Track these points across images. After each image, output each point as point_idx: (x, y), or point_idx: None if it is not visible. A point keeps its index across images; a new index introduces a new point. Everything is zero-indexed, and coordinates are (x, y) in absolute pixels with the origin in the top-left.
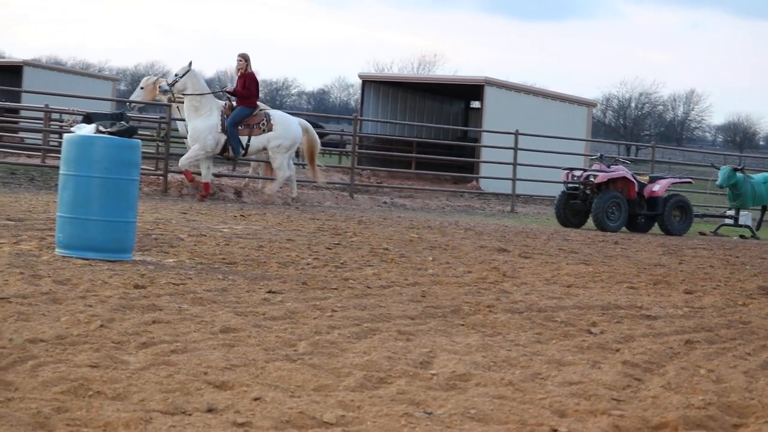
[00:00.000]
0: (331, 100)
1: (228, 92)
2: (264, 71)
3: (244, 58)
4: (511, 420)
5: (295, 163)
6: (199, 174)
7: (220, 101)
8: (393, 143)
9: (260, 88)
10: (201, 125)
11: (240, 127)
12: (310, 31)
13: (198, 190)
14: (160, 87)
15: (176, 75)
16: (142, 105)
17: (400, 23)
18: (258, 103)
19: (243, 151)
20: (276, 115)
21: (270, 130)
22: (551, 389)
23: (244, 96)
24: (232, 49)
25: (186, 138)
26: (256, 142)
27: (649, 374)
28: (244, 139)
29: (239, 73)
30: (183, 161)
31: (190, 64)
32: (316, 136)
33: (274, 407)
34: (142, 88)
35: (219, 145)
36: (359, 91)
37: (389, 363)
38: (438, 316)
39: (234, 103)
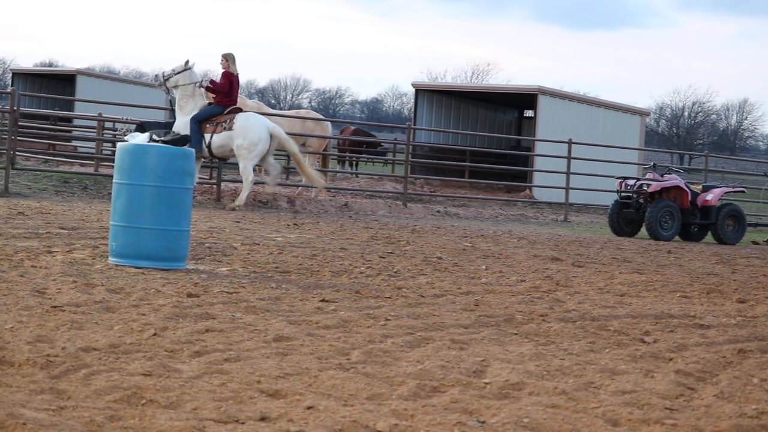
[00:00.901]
0: (384, 109)
1: (203, 86)
2: (317, 80)
3: (227, 58)
4: (564, 429)
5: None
6: None
7: (204, 101)
8: (446, 152)
9: (310, 97)
10: (181, 123)
11: (207, 125)
12: (363, 40)
13: None
14: (154, 77)
15: (173, 70)
16: None
17: (454, 32)
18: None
19: (206, 149)
20: (242, 115)
21: (230, 129)
22: (604, 398)
23: (221, 92)
24: (287, 59)
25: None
26: (218, 139)
27: (702, 383)
28: (207, 136)
29: (224, 72)
30: None
31: (187, 62)
32: (290, 141)
33: (327, 416)
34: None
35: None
36: (412, 100)
37: (442, 372)
38: (491, 325)
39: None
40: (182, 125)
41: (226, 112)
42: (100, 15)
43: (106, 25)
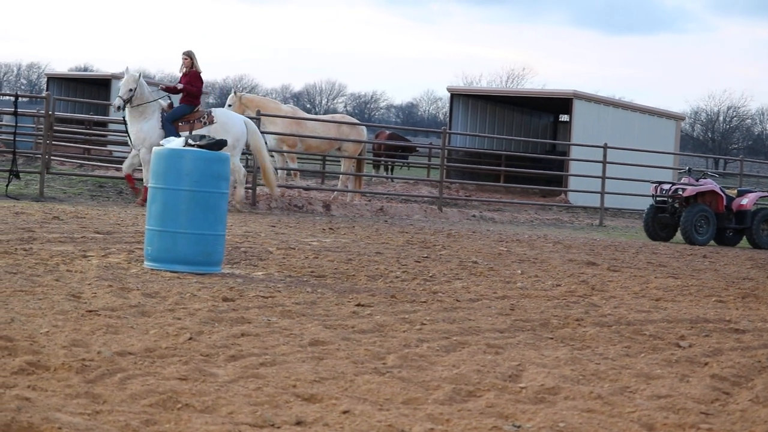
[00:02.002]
0: (419, 113)
1: (169, 89)
2: (352, 85)
3: (189, 56)
4: None
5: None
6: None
7: (164, 102)
8: (481, 156)
9: (345, 102)
10: (146, 127)
11: (180, 123)
12: (399, 44)
13: (138, 195)
14: (116, 106)
15: (130, 90)
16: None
17: (490, 37)
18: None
19: None
20: (219, 110)
21: (211, 123)
22: (640, 403)
23: (189, 92)
24: (322, 63)
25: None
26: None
27: (738, 388)
28: (185, 134)
29: (184, 71)
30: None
31: (140, 75)
32: (261, 138)
33: (362, 420)
34: (230, 105)
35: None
36: (448, 105)
37: (478, 376)
38: (527, 329)
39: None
40: (148, 129)
41: (195, 110)
42: (135, 19)
43: (141, 29)
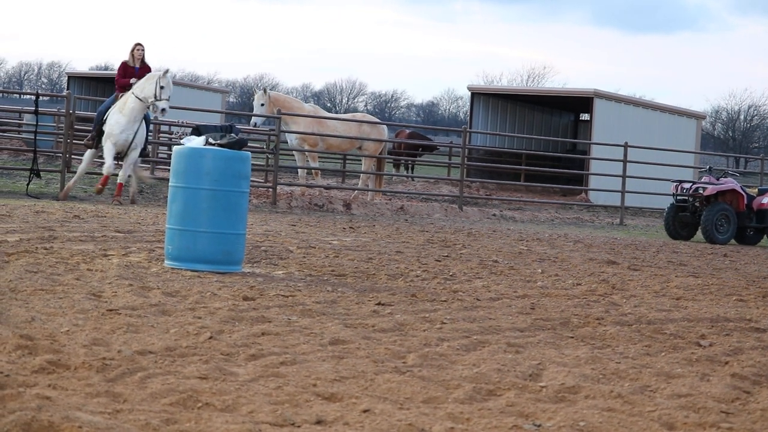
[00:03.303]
0: (440, 112)
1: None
2: (373, 84)
3: (144, 47)
4: None
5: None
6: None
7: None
8: (502, 155)
9: (366, 101)
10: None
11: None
12: (419, 43)
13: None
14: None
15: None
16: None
17: (510, 36)
18: None
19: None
20: None
21: None
22: (660, 402)
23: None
24: (342, 62)
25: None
26: None
27: (758, 387)
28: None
29: (141, 63)
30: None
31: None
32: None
33: (383, 419)
34: (263, 104)
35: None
36: (468, 104)
37: (498, 375)
38: (547, 328)
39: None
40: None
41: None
42: (156, 19)
43: (161, 28)
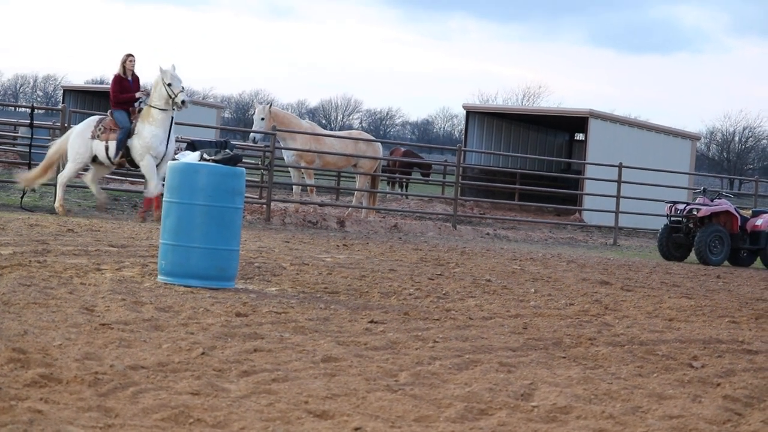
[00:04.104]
0: (435, 130)
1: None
2: (368, 101)
3: (135, 57)
4: None
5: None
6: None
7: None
8: (496, 174)
9: (361, 118)
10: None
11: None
12: (415, 61)
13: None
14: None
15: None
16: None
17: (506, 55)
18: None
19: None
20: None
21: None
22: (651, 423)
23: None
24: (338, 79)
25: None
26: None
27: (750, 409)
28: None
29: (132, 75)
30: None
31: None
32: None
33: None
34: (263, 118)
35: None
36: (463, 122)
37: (490, 394)
38: (539, 348)
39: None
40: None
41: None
42: (150, 34)
43: (157, 43)
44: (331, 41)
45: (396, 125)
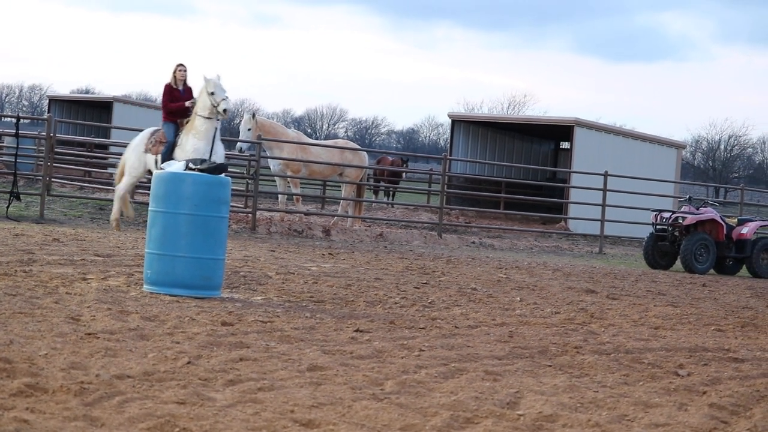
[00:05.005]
0: (420, 139)
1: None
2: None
3: (186, 67)
4: None
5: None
6: None
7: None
8: (482, 183)
9: (346, 127)
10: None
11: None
12: (400, 70)
13: None
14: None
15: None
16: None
17: (491, 63)
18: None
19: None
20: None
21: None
22: (638, 431)
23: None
24: (323, 88)
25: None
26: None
27: (736, 417)
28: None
29: (184, 85)
30: None
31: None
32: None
33: None
34: (249, 129)
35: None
36: (449, 131)
37: (476, 403)
38: (525, 356)
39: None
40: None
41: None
42: (136, 42)
43: (143, 52)
44: (317, 50)
45: (381, 134)
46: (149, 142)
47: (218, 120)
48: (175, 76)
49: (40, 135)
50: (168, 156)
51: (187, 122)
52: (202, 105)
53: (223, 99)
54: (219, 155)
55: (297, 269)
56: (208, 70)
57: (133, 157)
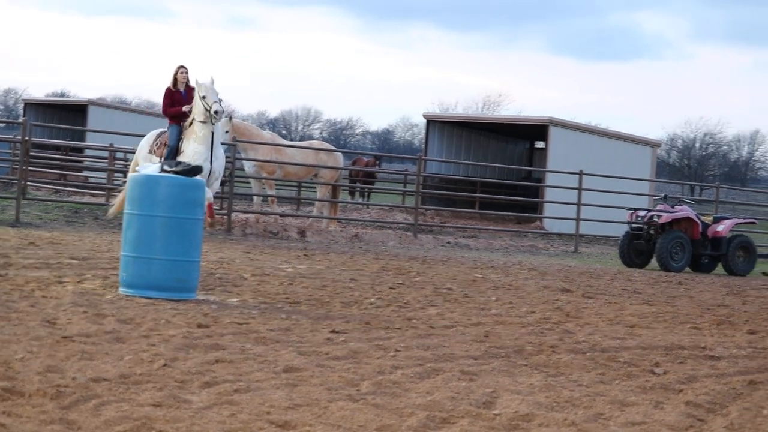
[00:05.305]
0: (395, 139)
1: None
2: (328, 111)
3: (187, 69)
4: None
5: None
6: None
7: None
8: (457, 183)
9: (321, 128)
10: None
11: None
12: (375, 70)
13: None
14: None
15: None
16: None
17: (466, 63)
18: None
19: None
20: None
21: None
22: (614, 429)
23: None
24: (298, 89)
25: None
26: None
27: (712, 415)
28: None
29: (186, 87)
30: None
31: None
32: None
33: None
34: (227, 131)
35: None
36: (423, 131)
37: (452, 403)
38: (501, 356)
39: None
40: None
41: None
42: (111, 45)
43: (118, 55)
44: (292, 52)
45: (356, 135)
46: (154, 144)
47: (213, 123)
48: (176, 78)
49: (15, 139)
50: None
51: (190, 124)
52: (198, 110)
53: (215, 101)
54: (220, 159)
55: (272, 271)
56: (201, 74)
57: (141, 158)
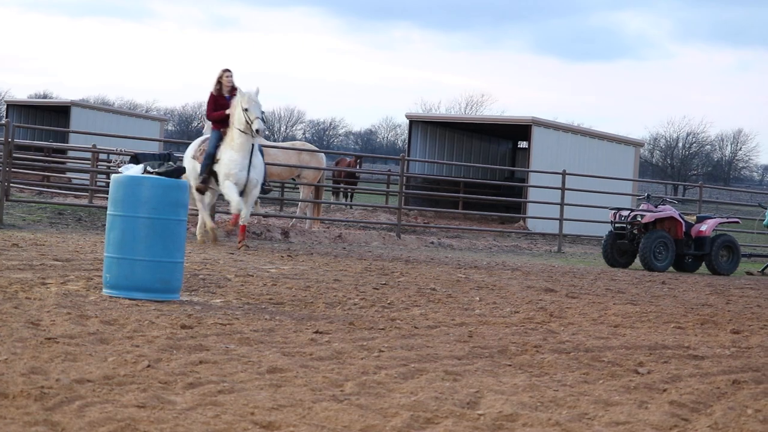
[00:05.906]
0: (378, 140)
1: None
2: (311, 112)
3: (232, 72)
4: None
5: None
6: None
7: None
8: (440, 183)
9: (304, 129)
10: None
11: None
12: (358, 71)
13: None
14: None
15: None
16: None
17: (449, 64)
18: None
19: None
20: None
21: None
22: (598, 429)
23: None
24: (281, 90)
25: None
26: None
27: (697, 414)
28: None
29: (231, 91)
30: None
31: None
32: None
33: None
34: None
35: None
36: (406, 131)
37: (436, 403)
38: (485, 356)
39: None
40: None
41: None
42: (94, 46)
43: (101, 56)
44: (275, 52)
45: (339, 135)
46: (197, 150)
47: (253, 137)
48: (220, 83)
49: None
50: (209, 167)
51: (226, 131)
52: (237, 118)
53: (257, 117)
54: (258, 168)
55: (256, 271)
56: (246, 83)
57: (188, 166)
